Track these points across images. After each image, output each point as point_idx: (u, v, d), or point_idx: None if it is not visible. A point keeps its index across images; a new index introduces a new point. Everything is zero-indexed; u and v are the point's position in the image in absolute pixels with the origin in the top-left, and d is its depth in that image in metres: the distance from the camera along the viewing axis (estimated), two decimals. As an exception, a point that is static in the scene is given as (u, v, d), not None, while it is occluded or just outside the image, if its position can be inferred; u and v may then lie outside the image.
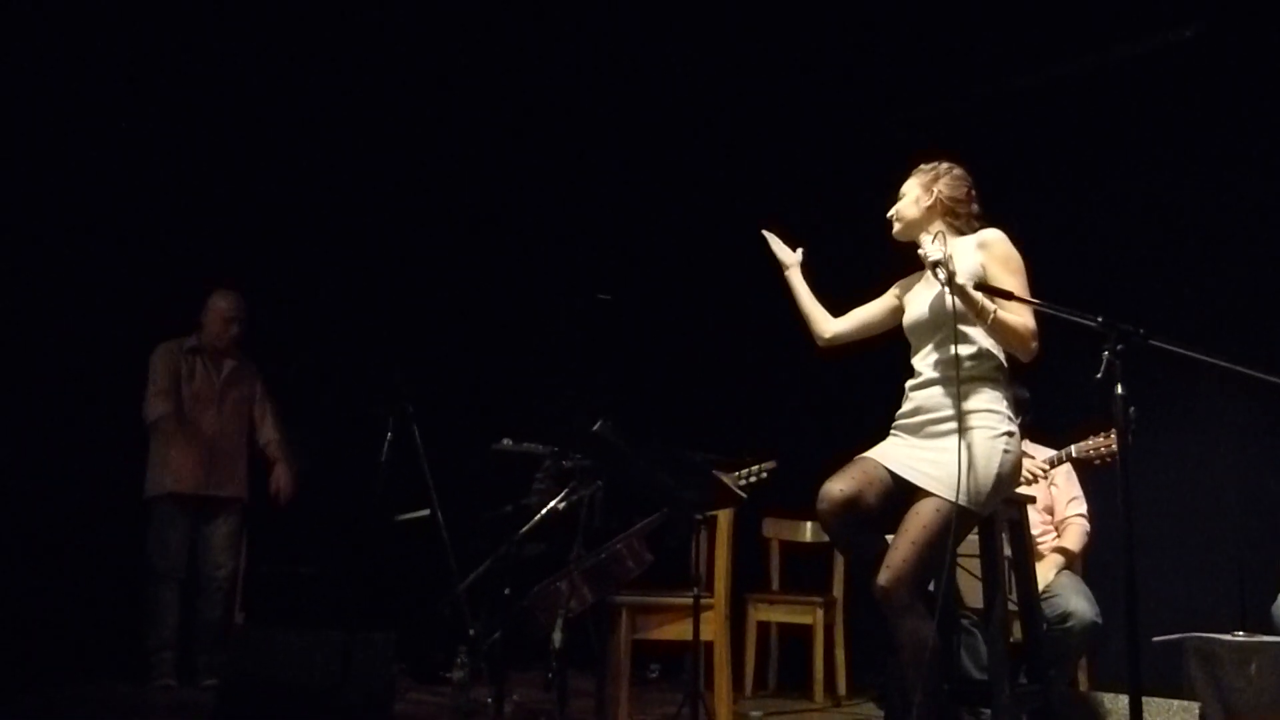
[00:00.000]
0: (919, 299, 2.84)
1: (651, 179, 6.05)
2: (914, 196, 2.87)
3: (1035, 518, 3.76)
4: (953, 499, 2.53)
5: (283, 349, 4.96)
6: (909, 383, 2.79)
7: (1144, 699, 2.19)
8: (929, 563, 2.53)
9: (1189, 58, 4.61)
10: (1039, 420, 3.87)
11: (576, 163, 5.95)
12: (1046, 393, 3.77)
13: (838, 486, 2.62)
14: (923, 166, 2.91)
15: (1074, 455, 3.63)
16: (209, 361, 4.55)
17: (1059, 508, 3.86)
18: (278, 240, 5.19)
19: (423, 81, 5.46)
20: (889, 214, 2.92)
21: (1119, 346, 2.16)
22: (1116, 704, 2.93)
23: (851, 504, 2.61)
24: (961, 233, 2.82)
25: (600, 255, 5.68)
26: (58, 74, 4.62)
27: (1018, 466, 2.69)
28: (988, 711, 2.99)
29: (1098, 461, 3.56)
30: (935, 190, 2.84)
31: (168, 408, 4.41)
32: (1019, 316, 2.62)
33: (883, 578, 2.52)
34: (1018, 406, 2.78)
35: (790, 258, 3.16)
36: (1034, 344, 2.63)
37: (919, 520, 2.54)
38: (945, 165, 2.89)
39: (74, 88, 4.66)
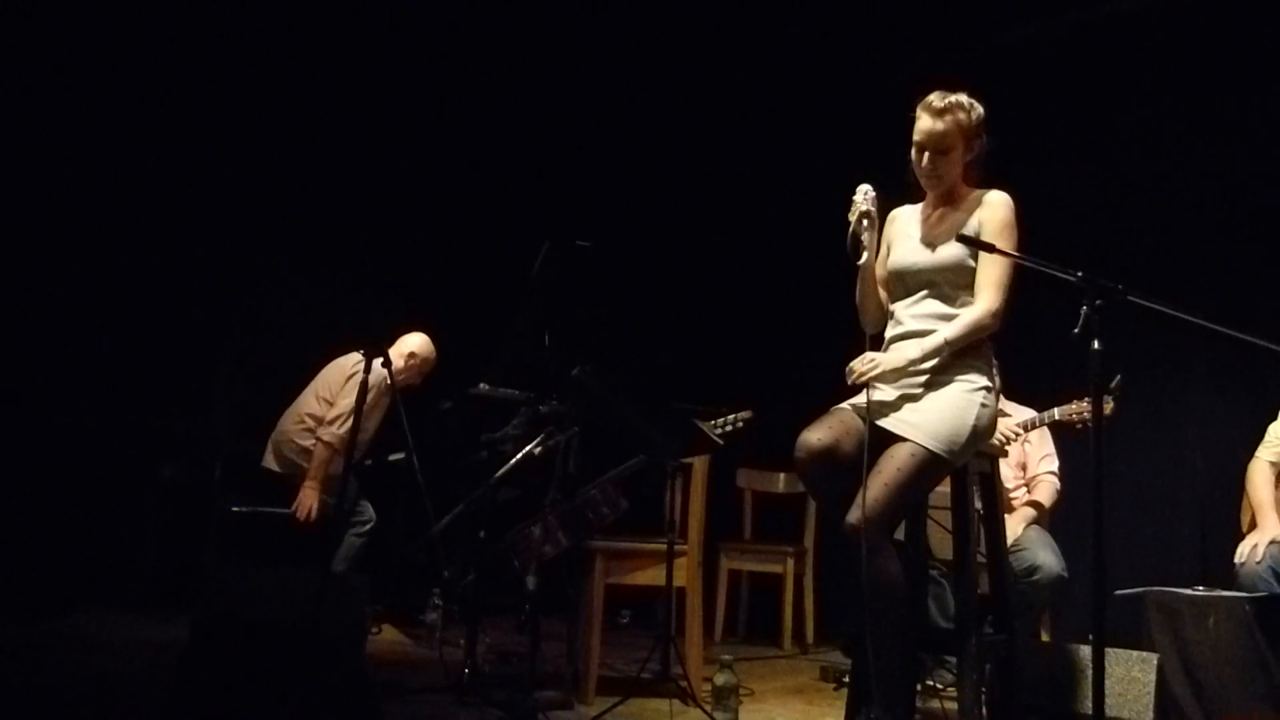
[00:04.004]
0: (904, 246, 2.79)
1: (634, 127, 6.00)
2: (959, 156, 2.68)
3: (1007, 473, 3.81)
4: (928, 445, 2.55)
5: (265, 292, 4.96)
6: (890, 333, 2.79)
7: (1105, 650, 2.23)
8: (899, 505, 2.55)
9: (1172, 15, 4.60)
10: (1022, 382, 3.91)
11: (560, 109, 5.89)
12: (1030, 354, 3.80)
13: (815, 436, 2.62)
14: (960, 103, 2.67)
15: (1057, 418, 3.65)
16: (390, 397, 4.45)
17: (1031, 464, 3.90)
18: (260, 181, 5.13)
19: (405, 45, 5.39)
20: (931, 171, 2.69)
21: (1097, 302, 2.16)
22: (1078, 654, 2.99)
23: (828, 453, 2.61)
24: (971, 182, 2.74)
25: (580, 202, 5.63)
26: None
27: (993, 422, 2.72)
28: (952, 660, 3.05)
29: (1080, 426, 3.58)
30: (975, 148, 2.69)
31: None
32: (970, 313, 2.61)
33: (853, 516, 2.53)
34: None
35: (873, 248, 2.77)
36: (991, 322, 2.62)
37: (893, 463, 2.55)
38: (979, 107, 2.68)
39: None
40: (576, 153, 5.91)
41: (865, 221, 2.66)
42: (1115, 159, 4.81)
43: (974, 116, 2.68)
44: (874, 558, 2.51)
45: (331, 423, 4.41)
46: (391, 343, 4.34)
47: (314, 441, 4.42)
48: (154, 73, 4.89)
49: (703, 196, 6.01)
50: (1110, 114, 4.83)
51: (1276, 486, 3.40)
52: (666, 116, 6.00)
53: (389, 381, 4.36)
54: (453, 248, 5.67)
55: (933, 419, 2.57)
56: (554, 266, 3.70)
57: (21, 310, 4.56)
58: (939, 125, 2.65)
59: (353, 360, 4.53)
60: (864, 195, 2.69)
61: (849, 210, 2.67)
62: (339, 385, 4.49)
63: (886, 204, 2.79)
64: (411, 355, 4.56)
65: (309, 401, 4.55)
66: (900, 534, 2.97)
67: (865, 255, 2.65)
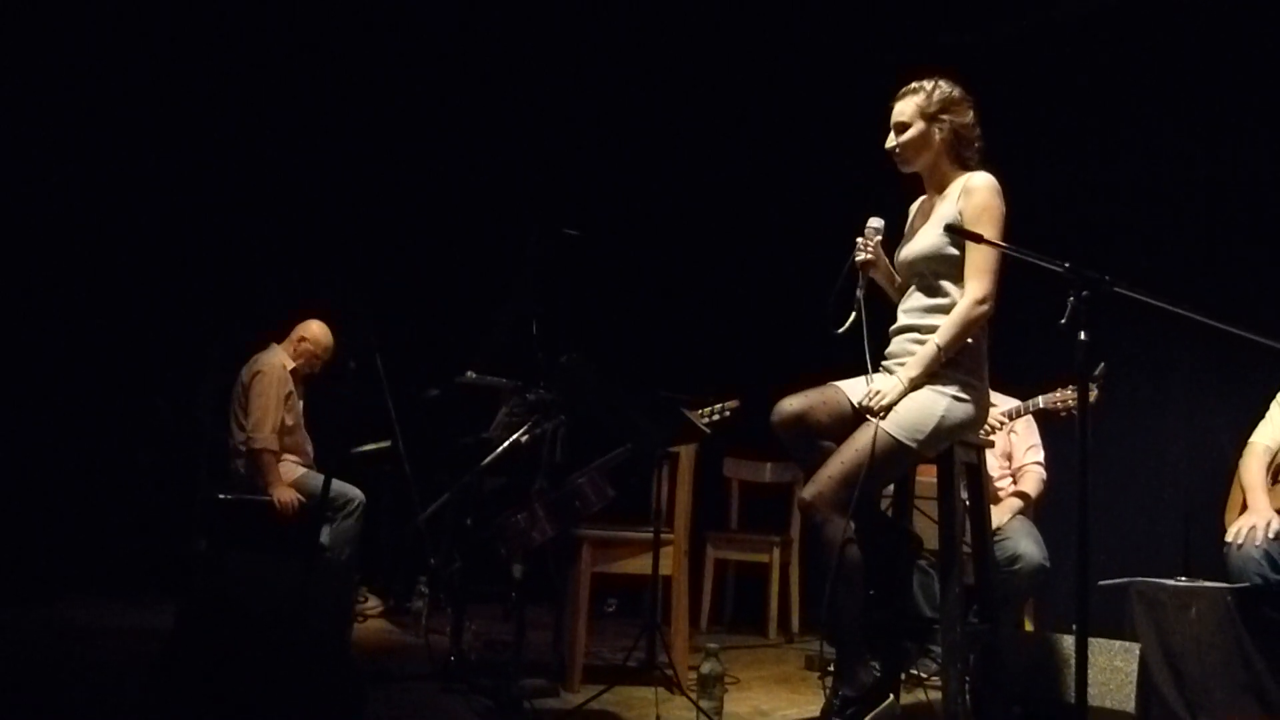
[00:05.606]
0: (910, 235, 2.82)
1: (624, 116, 5.98)
2: (918, 133, 2.72)
3: (993, 463, 3.81)
4: (890, 431, 2.59)
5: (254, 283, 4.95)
6: (891, 327, 2.84)
7: (1088, 639, 2.24)
8: (856, 485, 2.56)
9: (1169, 9, 4.61)
10: (1007, 371, 3.91)
11: (546, 96, 5.86)
12: (1015, 344, 3.81)
13: (790, 402, 2.70)
14: (922, 85, 2.72)
15: (1041, 406, 3.65)
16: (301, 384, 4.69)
17: (1017, 454, 3.91)
18: (250, 171, 5.10)
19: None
20: (888, 146, 2.78)
21: (1084, 293, 2.17)
22: (1061, 644, 3.01)
23: (799, 419, 2.68)
24: (967, 168, 2.74)
25: (568, 191, 5.62)
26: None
27: (971, 419, 2.70)
28: (937, 649, 3.06)
29: (1064, 414, 3.58)
30: (939, 126, 2.70)
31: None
32: (957, 309, 2.63)
33: (807, 491, 2.61)
34: None
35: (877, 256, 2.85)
36: (980, 311, 2.63)
37: (854, 443, 2.61)
38: (944, 87, 2.72)
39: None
40: (563, 141, 5.89)
41: (859, 276, 2.75)
42: (1106, 152, 4.81)
43: (935, 96, 2.72)
44: (824, 532, 2.57)
45: (255, 430, 4.45)
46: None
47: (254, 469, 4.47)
48: (129, 60, 4.85)
49: (692, 185, 6.00)
50: (1101, 108, 4.83)
51: (1269, 471, 3.25)
52: (658, 108, 5.98)
53: (287, 367, 4.58)
54: (441, 237, 5.65)
55: (900, 407, 2.62)
56: (542, 255, 3.70)
57: (6, 298, 4.52)
58: (897, 105, 2.76)
59: (246, 369, 4.59)
60: (862, 243, 2.76)
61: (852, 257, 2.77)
62: (244, 398, 4.53)
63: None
64: (302, 339, 4.61)
65: (234, 432, 4.56)
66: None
67: (854, 315, 2.67)
